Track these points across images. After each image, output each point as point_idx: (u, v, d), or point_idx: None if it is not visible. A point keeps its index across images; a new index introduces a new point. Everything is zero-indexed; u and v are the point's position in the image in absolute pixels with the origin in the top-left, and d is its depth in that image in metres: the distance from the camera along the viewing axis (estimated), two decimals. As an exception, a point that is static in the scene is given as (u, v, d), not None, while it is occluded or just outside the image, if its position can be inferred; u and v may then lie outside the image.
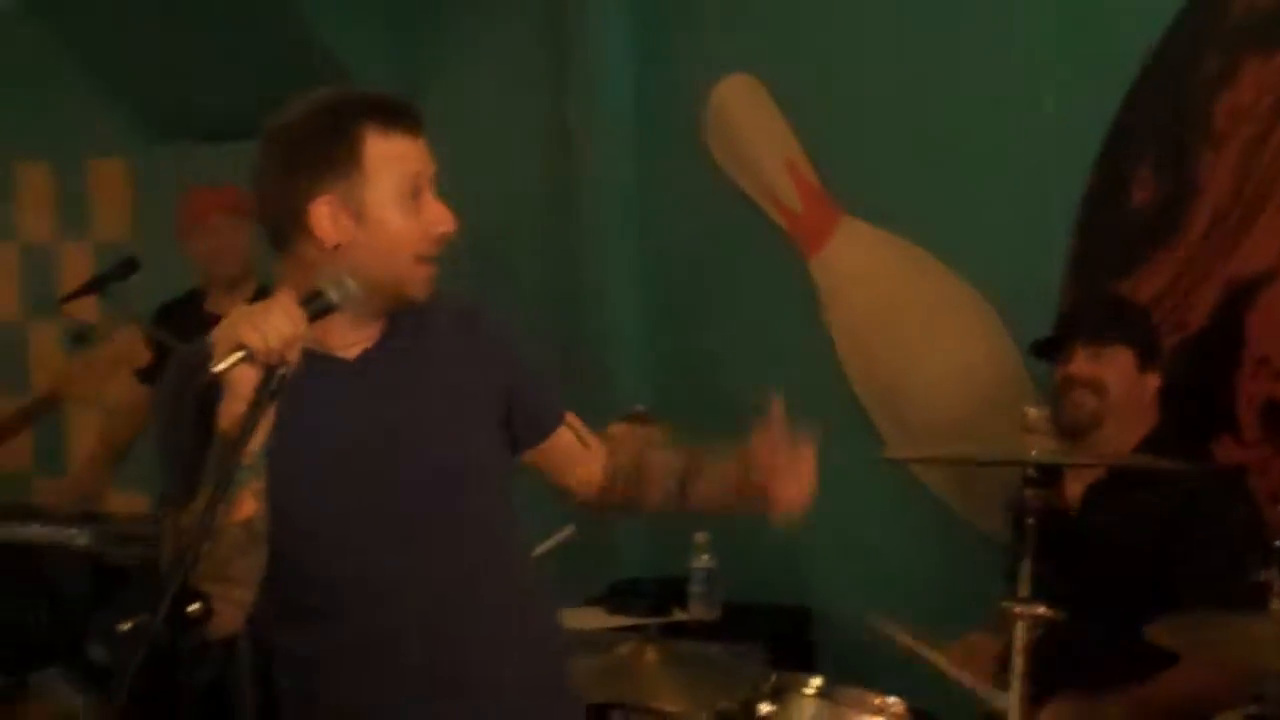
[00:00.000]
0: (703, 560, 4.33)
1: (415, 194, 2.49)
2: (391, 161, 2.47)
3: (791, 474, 2.64)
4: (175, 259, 5.02)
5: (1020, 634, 2.86)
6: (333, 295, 2.32)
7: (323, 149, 2.45)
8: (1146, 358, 3.67)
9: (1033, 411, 2.96)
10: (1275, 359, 3.72)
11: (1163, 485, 3.49)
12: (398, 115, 2.50)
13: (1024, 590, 2.89)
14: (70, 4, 5.84)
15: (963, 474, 4.21)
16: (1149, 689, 3.31)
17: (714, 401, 4.74)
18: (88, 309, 5.10)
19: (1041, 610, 2.87)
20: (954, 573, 4.23)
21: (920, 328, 4.39)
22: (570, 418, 2.76)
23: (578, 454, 2.75)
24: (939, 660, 3.25)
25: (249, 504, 2.30)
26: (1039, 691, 3.29)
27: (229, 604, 2.31)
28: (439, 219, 2.51)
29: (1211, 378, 3.82)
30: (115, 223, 6.59)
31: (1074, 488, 3.68)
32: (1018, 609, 2.88)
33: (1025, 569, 2.91)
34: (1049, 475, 3.65)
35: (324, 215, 2.44)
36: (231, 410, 2.23)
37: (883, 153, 4.43)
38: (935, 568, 4.31)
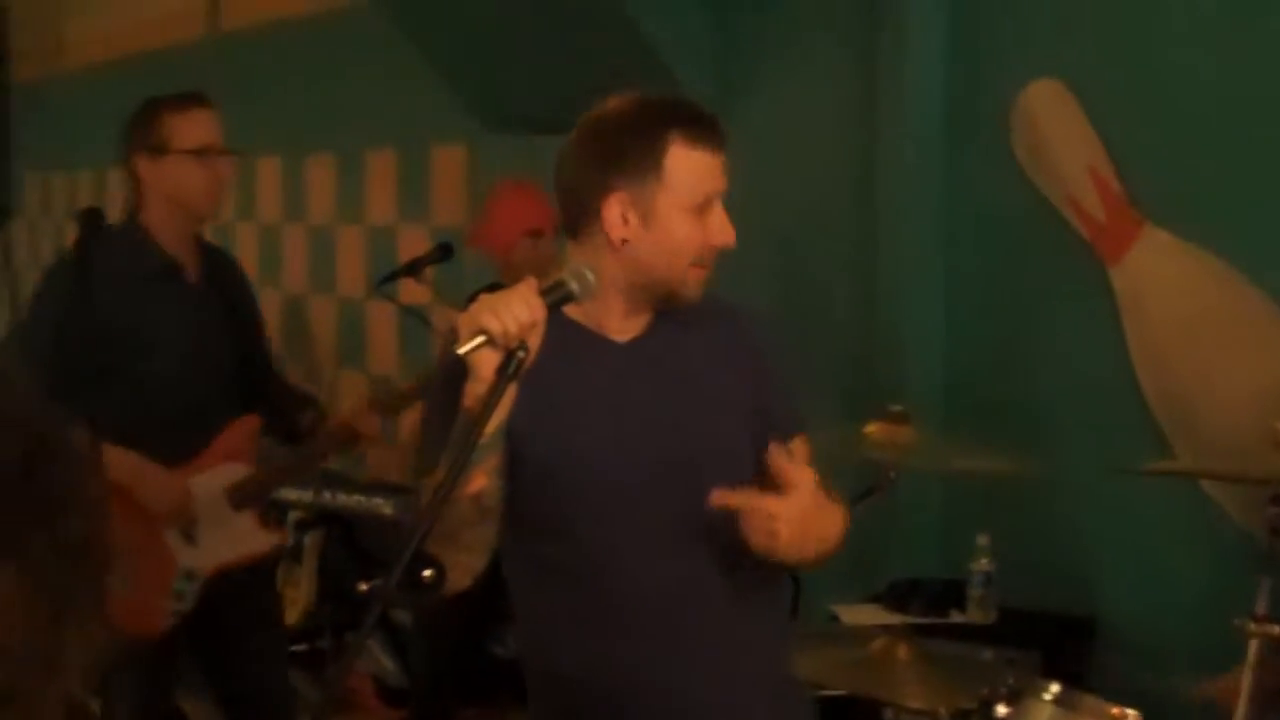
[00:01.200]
0: (981, 563, 4.35)
1: (704, 206, 2.62)
2: (689, 172, 2.61)
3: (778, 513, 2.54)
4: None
5: (1253, 653, 2.82)
6: (572, 286, 2.47)
7: (627, 148, 2.60)
8: None
9: (1280, 427, 2.90)
10: None
11: None
12: (704, 130, 2.63)
13: (1261, 608, 2.84)
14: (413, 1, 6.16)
15: (1251, 492, 4.12)
16: None
17: (1004, 406, 4.77)
18: (421, 294, 5.39)
19: (1277, 630, 2.82)
20: (1238, 590, 4.14)
21: (1218, 342, 4.31)
22: (798, 445, 2.77)
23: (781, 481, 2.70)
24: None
25: (480, 479, 2.46)
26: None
27: (458, 568, 2.48)
28: (721, 233, 2.64)
29: None
30: (451, 208, 6.90)
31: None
32: (1252, 627, 2.83)
33: (1265, 587, 2.86)
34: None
35: (615, 211, 2.61)
36: (474, 390, 2.39)
37: (1189, 162, 4.36)
38: (1223, 582, 4.23)
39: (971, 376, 4.90)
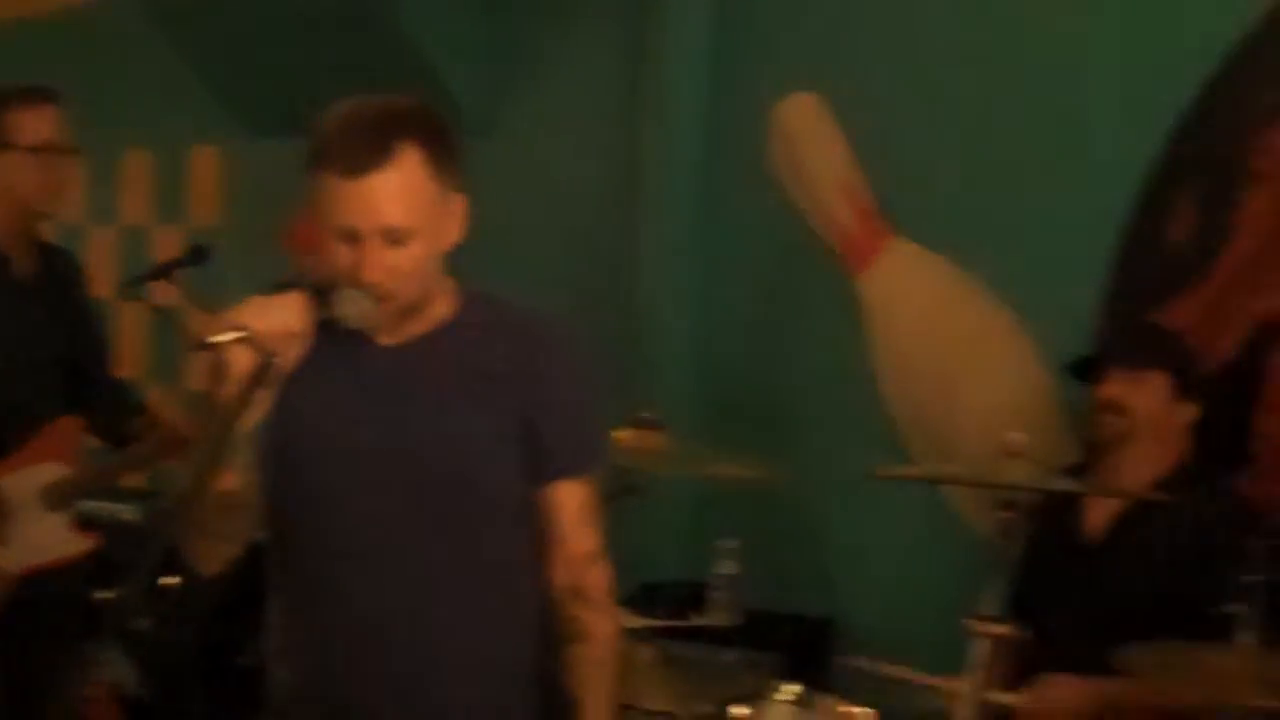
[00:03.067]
0: (725, 566, 4.38)
1: (350, 236, 2.45)
2: (324, 198, 2.46)
3: None
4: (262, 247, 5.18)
5: (981, 650, 2.89)
6: (338, 306, 2.42)
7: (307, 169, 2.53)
8: (1183, 386, 3.70)
9: (1014, 436, 2.99)
10: (1294, 401, 3.73)
11: (1184, 518, 3.52)
12: (342, 158, 2.45)
13: (989, 608, 2.92)
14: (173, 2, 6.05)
15: (982, 496, 4.24)
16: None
17: (760, 415, 4.84)
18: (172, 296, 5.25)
19: (1004, 629, 2.90)
20: (972, 592, 4.26)
21: (960, 352, 4.43)
22: (573, 494, 2.68)
23: (558, 532, 2.66)
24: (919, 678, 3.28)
25: (230, 478, 2.41)
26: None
27: (210, 556, 2.43)
28: (355, 268, 2.46)
29: (1232, 413, 3.82)
30: (208, 210, 6.78)
31: (1098, 514, 3.71)
32: (981, 626, 2.91)
33: (995, 588, 2.94)
34: (1066, 501, 3.72)
35: (306, 230, 2.55)
36: (226, 389, 2.33)
37: (937, 177, 4.48)
38: (959, 584, 4.33)
39: (723, 382, 4.96)
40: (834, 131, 4.74)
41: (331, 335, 2.47)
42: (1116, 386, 3.68)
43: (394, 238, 2.45)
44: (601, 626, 2.69)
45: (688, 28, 5.05)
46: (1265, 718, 2.91)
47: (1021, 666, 3.51)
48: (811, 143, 4.79)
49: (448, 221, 2.55)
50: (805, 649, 4.39)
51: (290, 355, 2.35)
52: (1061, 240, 4.20)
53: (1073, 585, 3.63)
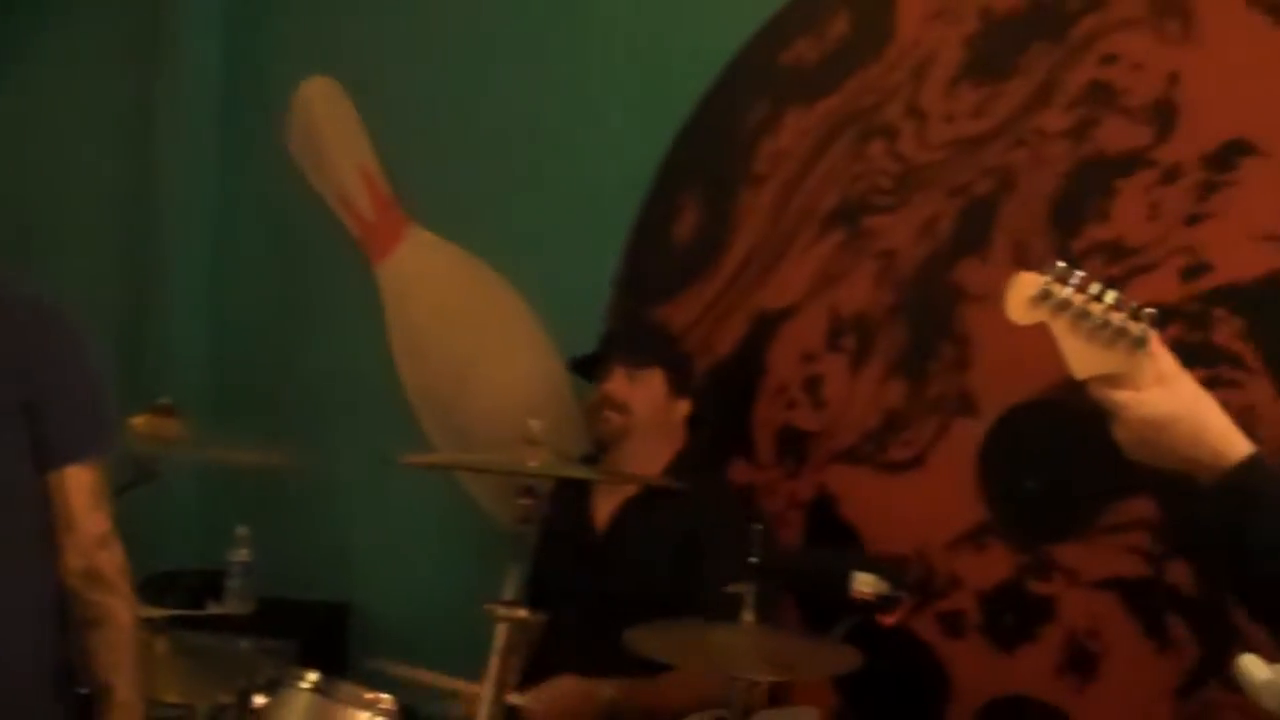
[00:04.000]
0: (240, 554, 4.35)
1: None
2: None
3: None
4: None
5: (501, 635, 2.97)
6: None
7: None
8: (678, 383, 3.88)
9: (534, 424, 3.07)
10: (791, 388, 3.97)
11: (687, 504, 3.68)
12: None
13: (509, 594, 3.00)
14: None
15: (501, 483, 4.34)
16: (646, 681, 3.47)
17: (278, 402, 4.81)
18: None
19: (523, 614, 2.98)
20: (492, 578, 4.35)
21: (475, 339, 4.52)
22: (81, 479, 2.66)
23: (68, 517, 2.64)
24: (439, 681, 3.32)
25: None
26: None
27: None
28: None
29: (733, 404, 4.04)
30: None
31: (605, 506, 3.85)
32: (500, 611, 2.99)
33: (513, 574, 3.02)
34: (578, 488, 3.85)
35: None
36: None
37: (454, 167, 4.55)
38: (475, 571, 4.42)
39: (240, 369, 4.92)
40: (353, 118, 4.75)
41: None
42: (616, 383, 3.84)
43: None
44: (119, 609, 2.69)
45: (202, 11, 4.97)
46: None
47: (538, 663, 3.63)
48: (331, 129, 4.79)
49: None
50: (323, 636, 4.41)
51: None
52: (575, 236, 4.34)
53: (582, 574, 3.76)
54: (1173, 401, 1.82)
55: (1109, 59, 3.57)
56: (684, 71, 4.19)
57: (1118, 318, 1.80)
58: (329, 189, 4.79)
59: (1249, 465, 1.81)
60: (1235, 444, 1.83)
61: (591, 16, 4.37)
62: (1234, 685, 2.06)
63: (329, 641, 4.43)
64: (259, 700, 3.03)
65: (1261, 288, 3.34)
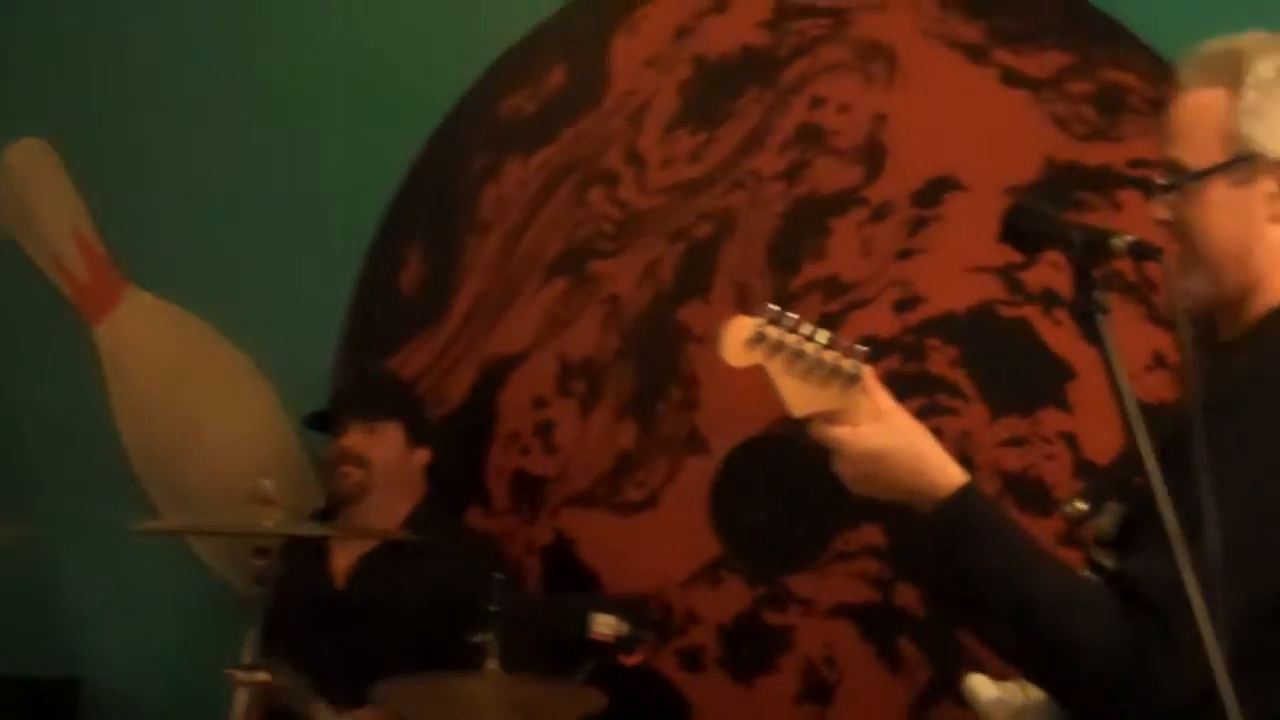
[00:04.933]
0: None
1: None
2: None
3: None
4: None
5: (241, 700, 2.93)
6: None
7: None
8: (416, 434, 3.87)
9: (266, 484, 3.05)
10: (522, 434, 3.99)
11: (427, 556, 3.67)
12: None
13: (248, 657, 2.97)
14: None
15: (231, 545, 4.27)
16: None
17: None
18: None
19: (263, 677, 2.95)
20: (229, 642, 4.28)
21: (199, 399, 4.44)
22: None
23: None
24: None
25: None
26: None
27: None
28: None
29: (467, 452, 4.04)
30: None
31: (343, 561, 3.82)
32: (240, 675, 2.95)
33: (252, 637, 2.99)
34: (315, 546, 3.81)
35: None
36: None
37: (171, 224, 4.46)
38: (210, 636, 4.34)
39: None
40: (64, 179, 4.63)
41: None
42: (354, 438, 3.81)
43: None
44: None
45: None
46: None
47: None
48: (42, 190, 4.67)
49: None
50: (51, 714, 4.27)
51: None
52: (298, 290, 4.29)
53: (323, 632, 3.72)
54: (889, 435, 1.88)
55: (818, 102, 3.69)
56: (405, 122, 4.20)
57: (830, 356, 1.86)
58: (41, 252, 4.66)
59: (963, 494, 1.88)
60: (951, 474, 1.90)
61: (310, 71, 4.34)
62: (964, 703, 2.14)
63: (57, 718, 4.29)
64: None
65: (972, 317, 3.48)
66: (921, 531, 1.90)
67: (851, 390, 1.87)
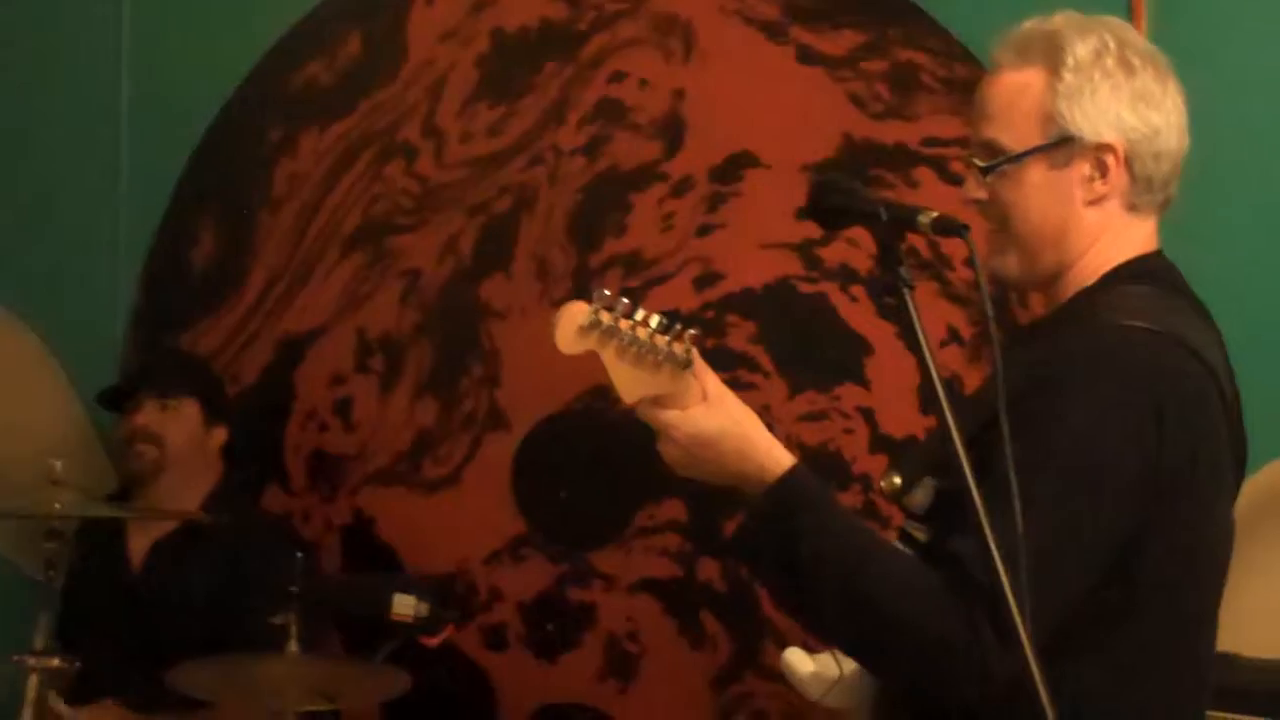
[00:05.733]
0: None
1: None
2: None
3: None
4: None
5: (33, 687, 2.86)
6: None
7: None
8: (213, 411, 3.80)
9: (56, 464, 2.97)
10: (320, 412, 3.94)
11: (220, 538, 3.61)
12: None
13: (39, 643, 2.90)
14: None
15: (21, 529, 4.15)
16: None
17: None
18: None
19: (55, 663, 2.88)
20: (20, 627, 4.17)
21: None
22: None
23: None
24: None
25: None
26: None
27: None
28: None
29: (263, 430, 3.98)
30: None
31: (139, 543, 3.74)
32: (31, 662, 2.88)
33: (43, 621, 2.92)
34: (110, 528, 3.73)
35: None
36: None
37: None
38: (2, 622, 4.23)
39: None
40: None
41: None
42: (148, 415, 3.73)
43: None
44: None
45: None
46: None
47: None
48: None
49: None
50: None
51: None
52: (88, 268, 4.19)
53: (118, 615, 3.65)
54: (719, 418, 1.89)
55: (618, 76, 3.70)
56: (199, 91, 4.10)
57: (662, 341, 1.86)
58: None
59: (791, 476, 1.90)
60: (778, 458, 1.91)
61: (91, 45, 4.21)
62: (768, 674, 2.17)
63: None
64: None
65: (770, 293, 3.52)
66: (751, 519, 1.91)
67: (683, 375, 1.88)
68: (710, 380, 1.91)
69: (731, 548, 2.12)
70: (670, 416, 1.89)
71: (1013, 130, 2.01)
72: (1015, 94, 2.02)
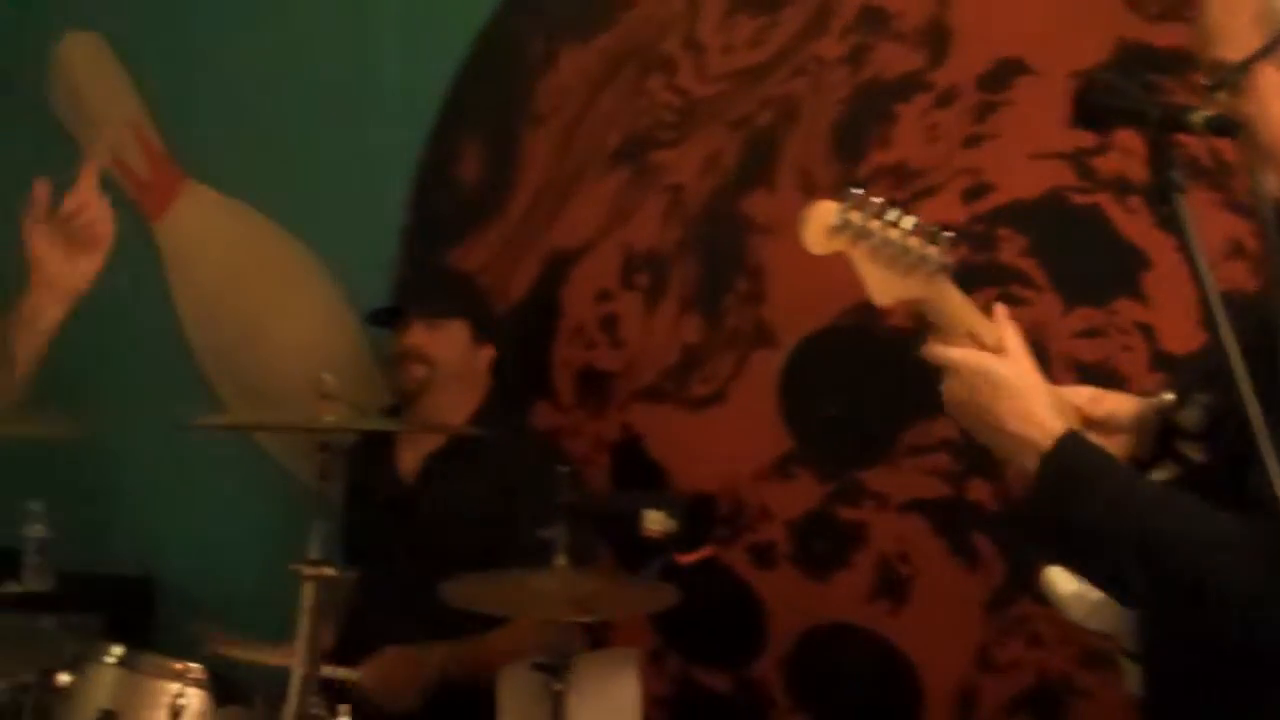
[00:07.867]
0: (35, 530, 4.22)
1: None
2: None
3: None
4: None
5: (309, 595, 2.93)
6: None
7: None
8: (480, 330, 3.84)
9: (328, 379, 3.01)
10: (588, 328, 3.96)
11: (493, 453, 3.66)
12: None
13: (315, 552, 2.96)
14: None
15: (301, 441, 4.28)
16: (474, 641, 3.47)
17: (62, 370, 4.65)
18: None
19: (330, 571, 2.95)
20: (296, 537, 4.29)
21: (263, 294, 4.43)
22: None
23: None
24: (264, 655, 3.26)
25: None
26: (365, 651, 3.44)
27: None
28: None
29: (531, 347, 4.02)
30: None
31: (410, 458, 3.81)
32: (307, 570, 2.94)
33: (317, 531, 2.98)
34: (382, 443, 3.81)
35: None
36: None
37: (228, 119, 4.43)
38: (279, 533, 4.36)
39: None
40: (120, 73, 4.60)
41: None
42: (418, 335, 3.78)
43: None
44: None
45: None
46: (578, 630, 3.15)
47: (361, 626, 3.60)
48: (97, 85, 4.64)
49: None
50: (126, 609, 4.31)
51: None
52: (359, 185, 4.26)
53: (392, 527, 3.73)
54: (1014, 368, 1.85)
55: (880, -16, 3.60)
56: (459, 10, 4.13)
57: (915, 243, 1.81)
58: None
59: (1074, 437, 1.84)
60: (1054, 426, 1.86)
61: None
62: (1041, 598, 2.11)
63: (135, 615, 4.33)
64: (63, 678, 2.96)
65: (1042, 205, 3.41)
66: (1031, 489, 1.86)
67: (936, 279, 1.83)
68: (1010, 335, 1.87)
69: (1021, 518, 2.08)
70: (961, 354, 1.85)
71: (1234, 41, 1.88)
72: (1229, 4, 1.89)
